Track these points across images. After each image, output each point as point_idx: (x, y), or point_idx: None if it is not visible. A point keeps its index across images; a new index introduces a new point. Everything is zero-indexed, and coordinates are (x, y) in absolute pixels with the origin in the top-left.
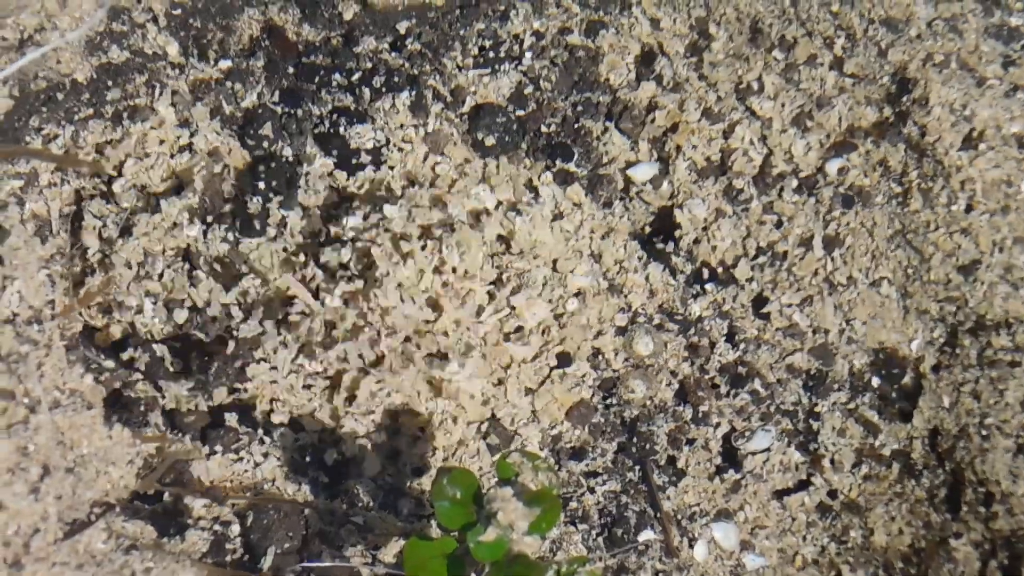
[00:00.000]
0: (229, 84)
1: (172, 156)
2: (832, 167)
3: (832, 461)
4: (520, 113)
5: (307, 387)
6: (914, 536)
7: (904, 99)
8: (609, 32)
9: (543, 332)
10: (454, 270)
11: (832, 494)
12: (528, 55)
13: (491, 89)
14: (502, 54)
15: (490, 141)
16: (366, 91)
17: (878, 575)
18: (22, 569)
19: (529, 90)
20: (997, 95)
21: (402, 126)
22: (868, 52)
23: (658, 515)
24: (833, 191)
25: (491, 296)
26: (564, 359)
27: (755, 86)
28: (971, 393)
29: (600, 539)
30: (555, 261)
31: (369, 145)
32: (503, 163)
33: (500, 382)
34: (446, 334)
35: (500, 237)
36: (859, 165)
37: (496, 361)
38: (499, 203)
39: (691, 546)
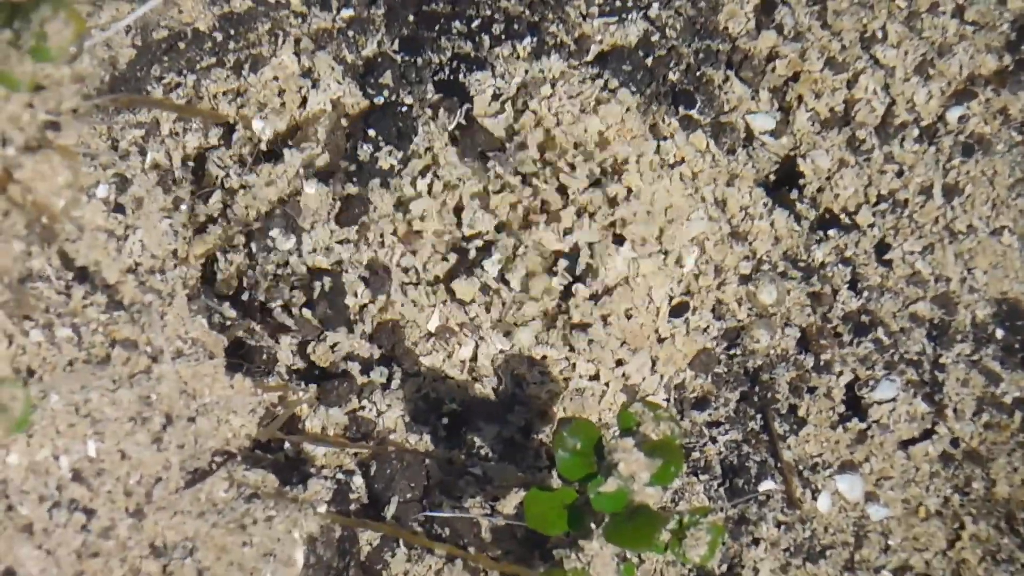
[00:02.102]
0: (351, 33)
1: (294, 105)
2: (952, 115)
3: (955, 410)
4: (648, 60)
5: (432, 337)
6: None
7: None
8: None
9: (668, 285)
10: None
11: (954, 443)
12: (655, 5)
13: (618, 37)
14: (628, 2)
15: (614, 84)
16: (486, 38)
17: (1001, 526)
18: (144, 518)
19: (656, 38)
20: None
21: (526, 72)
22: (988, 0)
23: (779, 465)
24: (953, 140)
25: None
26: (684, 308)
27: (879, 35)
28: None
29: (722, 489)
30: (669, 207)
31: (489, 92)
32: (632, 109)
33: (622, 329)
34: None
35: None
36: (979, 113)
37: (618, 309)
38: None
39: (814, 497)
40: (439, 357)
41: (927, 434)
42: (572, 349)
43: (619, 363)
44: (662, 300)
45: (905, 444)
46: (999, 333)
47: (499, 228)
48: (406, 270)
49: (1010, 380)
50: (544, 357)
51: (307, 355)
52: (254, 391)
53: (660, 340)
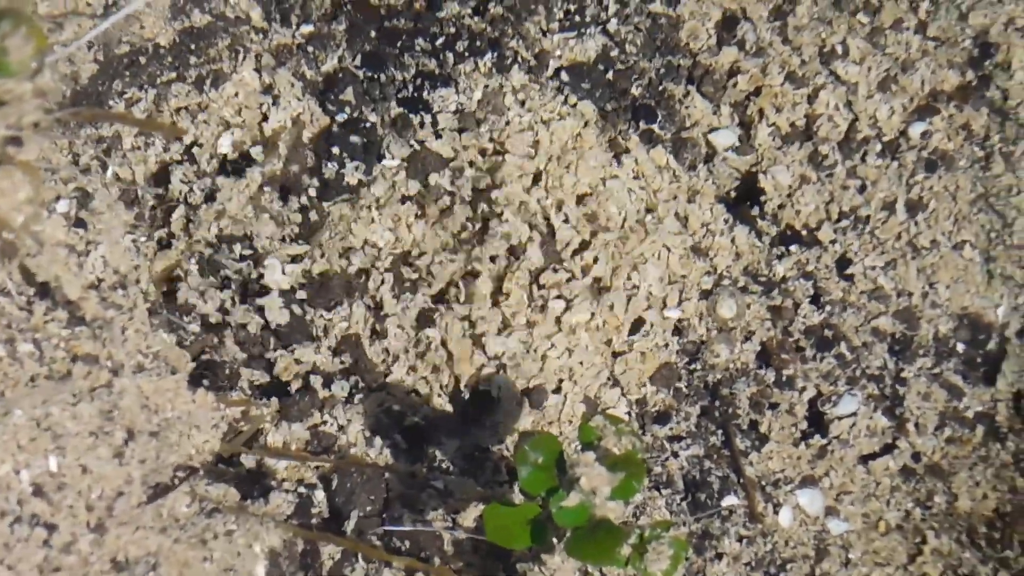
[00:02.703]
0: (311, 48)
1: (255, 121)
2: (915, 131)
3: (916, 425)
4: (607, 76)
5: (394, 351)
6: (999, 500)
7: (986, 63)
8: None
9: (627, 298)
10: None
11: (916, 457)
12: (614, 21)
13: (577, 52)
14: (587, 18)
15: (573, 100)
16: (449, 55)
17: (962, 540)
18: (106, 533)
19: (615, 53)
20: None
21: (486, 87)
22: (950, 16)
23: (741, 480)
24: (916, 155)
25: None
26: (641, 324)
27: (840, 50)
28: None
29: (684, 504)
30: (636, 222)
31: (452, 108)
32: (590, 123)
33: (581, 347)
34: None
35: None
36: (942, 129)
37: (578, 327)
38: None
39: (776, 512)
40: (401, 371)
41: (888, 448)
42: (534, 362)
43: (579, 376)
44: (622, 314)
45: (865, 458)
46: (961, 347)
47: (453, 246)
48: (367, 284)
49: (972, 394)
50: (505, 370)
51: (270, 369)
52: (216, 406)
53: (620, 354)
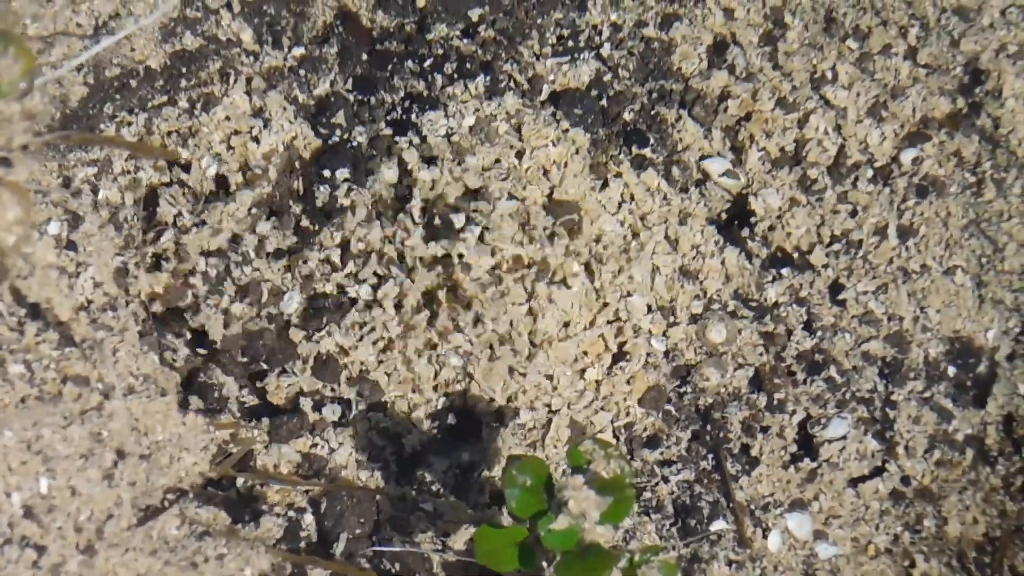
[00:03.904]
0: (302, 71)
1: (245, 144)
2: (906, 157)
3: (906, 448)
4: (601, 101)
5: (382, 374)
6: (988, 525)
7: (977, 90)
8: (683, 24)
9: (612, 322)
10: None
11: (905, 481)
12: (607, 45)
13: (570, 77)
14: (581, 43)
15: (566, 126)
16: (439, 78)
17: (952, 565)
18: (96, 555)
19: (608, 78)
20: None
21: (477, 111)
22: (941, 42)
23: (731, 504)
24: (907, 181)
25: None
26: (630, 347)
27: (829, 75)
28: None
29: (674, 529)
30: (625, 245)
31: (442, 131)
32: (583, 148)
33: (569, 368)
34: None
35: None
36: (933, 155)
37: (564, 349)
38: (580, 188)
39: (765, 536)
40: (390, 393)
41: (877, 472)
42: (521, 384)
43: (567, 399)
44: (610, 336)
45: (855, 482)
46: (951, 371)
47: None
48: (354, 301)
49: (962, 417)
50: (494, 390)
51: (260, 391)
52: (206, 428)
53: (607, 376)
